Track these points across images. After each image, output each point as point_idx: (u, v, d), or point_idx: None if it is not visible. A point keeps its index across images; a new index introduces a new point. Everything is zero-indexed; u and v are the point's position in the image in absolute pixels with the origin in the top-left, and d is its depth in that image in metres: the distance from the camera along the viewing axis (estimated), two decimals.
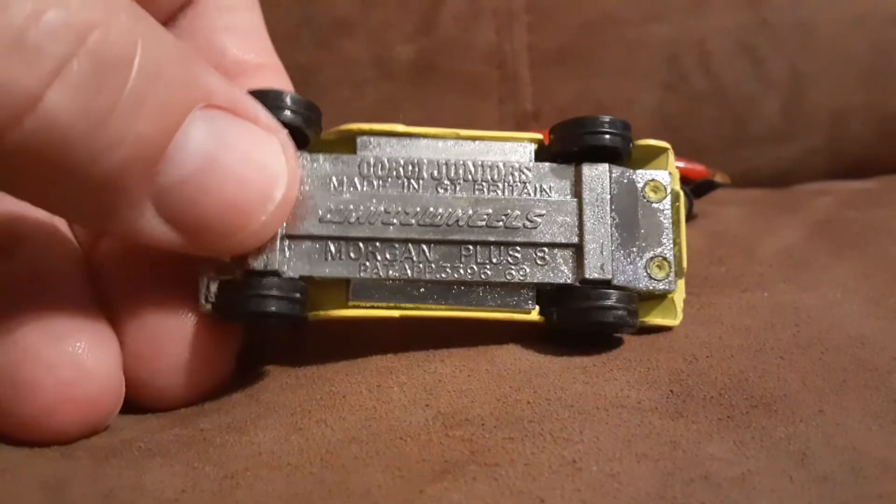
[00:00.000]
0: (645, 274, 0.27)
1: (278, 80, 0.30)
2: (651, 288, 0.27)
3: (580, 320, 0.26)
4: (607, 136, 0.27)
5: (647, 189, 0.27)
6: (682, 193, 0.28)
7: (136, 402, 0.24)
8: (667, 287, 0.27)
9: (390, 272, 0.25)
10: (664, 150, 0.28)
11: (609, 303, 0.26)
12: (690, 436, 0.22)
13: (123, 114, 0.19)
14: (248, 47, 0.30)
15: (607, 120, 0.27)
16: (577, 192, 0.26)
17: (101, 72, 0.19)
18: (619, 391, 0.24)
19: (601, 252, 0.26)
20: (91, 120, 0.19)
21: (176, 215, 0.21)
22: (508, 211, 0.26)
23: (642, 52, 0.55)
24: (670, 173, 0.28)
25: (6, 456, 0.22)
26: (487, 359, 0.26)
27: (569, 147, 0.27)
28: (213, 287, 0.24)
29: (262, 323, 0.25)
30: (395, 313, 0.26)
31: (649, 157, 0.28)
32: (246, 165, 0.22)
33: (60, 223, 0.27)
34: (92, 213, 0.21)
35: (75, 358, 0.22)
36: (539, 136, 0.27)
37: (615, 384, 0.24)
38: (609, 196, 0.26)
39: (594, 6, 0.55)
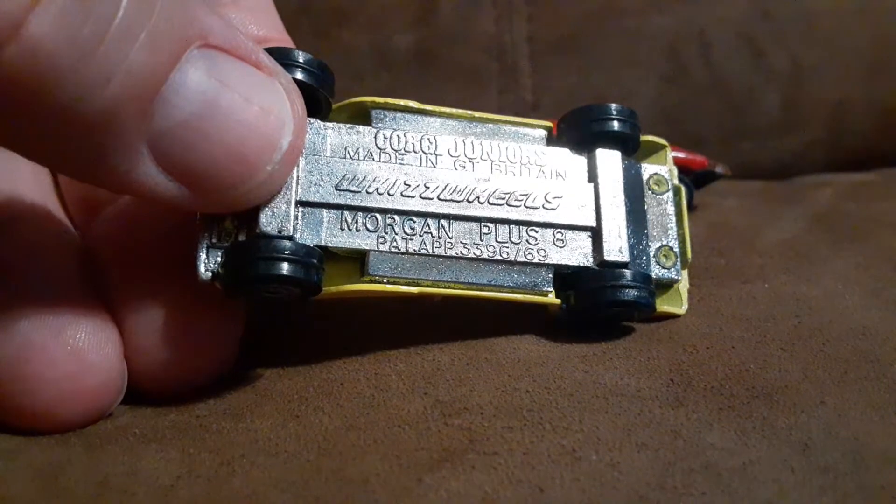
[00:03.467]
0: (655, 262, 0.27)
1: None
2: (660, 276, 0.27)
3: (599, 300, 0.26)
4: (618, 123, 0.27)
5: (651, 181, 0.28)
6: (682, 188, 0.29)
7: (137, 391, 0.24)
8: (674, 276, 0.28)
9: (409, 246, 0.25)
10: (662, 146, 0.29)
11: (628, 282, 0.26)
12: (691, 425, 0.21)
13: (114, 45, 0.18)
14: (254, 21, 0.28)
15: (617, 108, 0.27)
16: (593, 177, 0.27)
17: (98, 19, 0.17)
18: (618, 380, 0.24)
19: (618, 235, 0.26)
20: (78, 49, 0.17)
21: (174, 163, 0.20)
22: (528, 191, 0.26)
23: (642, 43, 0.55)
24: (669, 169, 0.28)
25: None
26: (486, 347, 0.26)
27: (580, 134, 0.27)
28: (215, 254, 0.22)
29: (272, 293, 0.23)
30: (414, 290, 0.25)
31: (648, 153, 0.29)
32: (248, 110, 0.20)
33: (54, 204, 0.26)
34: (82, 161, 0.19)
35: (77, 352, 0.22)
36: (549, 123, 0.28)
37: (615, 373, 0.24)
38: (622, 183, 0.27)
39: None
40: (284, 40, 0.29)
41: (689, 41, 0.54)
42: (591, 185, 0.26)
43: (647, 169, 0.28)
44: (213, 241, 0.23)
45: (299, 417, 0.22)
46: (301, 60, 0.23)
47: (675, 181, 0.28)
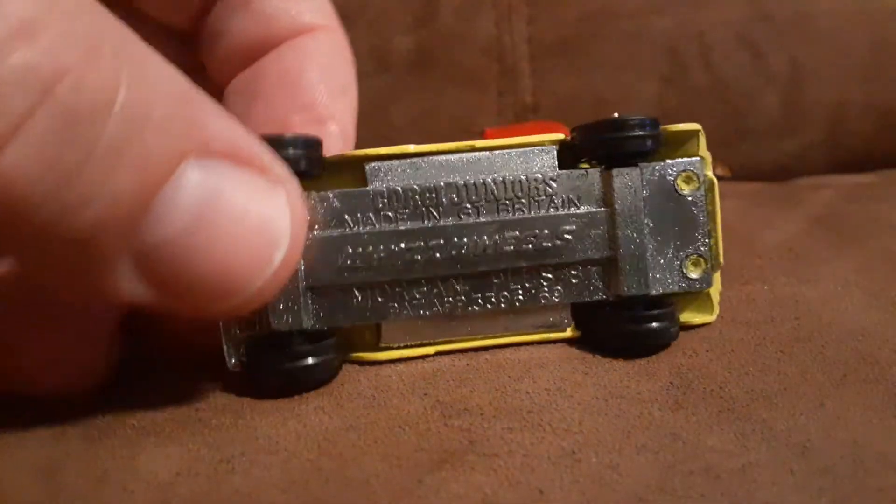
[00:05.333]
0: (681, 275, 0.26)
1: (333, 43, 0.28)
2: (688, 288, 0.26)
3: (621, 343, 0.25)
4: (638, 142, 0.25)
5: (679, 181, 0.25)
6: (715, 180, 0.26)
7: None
8: (704, 285, 0.26)
9: (421, 311, 0.25)
10: (694, 132, 0.26)
11: (650, 324, 0.25)
12: (691, 427, 0.21)
13: (97, 168, 0.17)
14: (302, 7, 0.27)
15: (637, 122, 0.24)
16: (608, 202, 0.25)
17: (71, 123, 0.16)
18: (618, 382, 0.24)
19: (637, 265, 0.25)
20: (57, 177, 0.16)
21: (159, 278, 0.19)
22: (537, 231, 0.25)
23: (642, 45, 0.55)
24: (702, 158, 0.26)
25: None
26: (486, 349, 0.26)
27: (595, 150, 0.25)
28: (239, 344, 0.24)
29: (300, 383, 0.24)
30: (430, 350, 0.25)
31: (679, 143, 0.26)
32: (242, 223, 0.19)
33: None
34: (62, 275, 0.19)
35: None
36: (560, 135, 0.25)
37: (615, 375, 0.24)
38: (642, 202, 0.25)
39: None
40: (333, 28, 0.28)
41: (689, 43, 0.54)
42: (606, 210, 0.25)
43: (675, 167, 0.25)
44: (236, 331, 0.24)
45: (300, 416, 0.22)
46: (288, 144, 0.23)
47: (709, 172, 0.26)
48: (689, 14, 0.54)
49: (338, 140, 0.27)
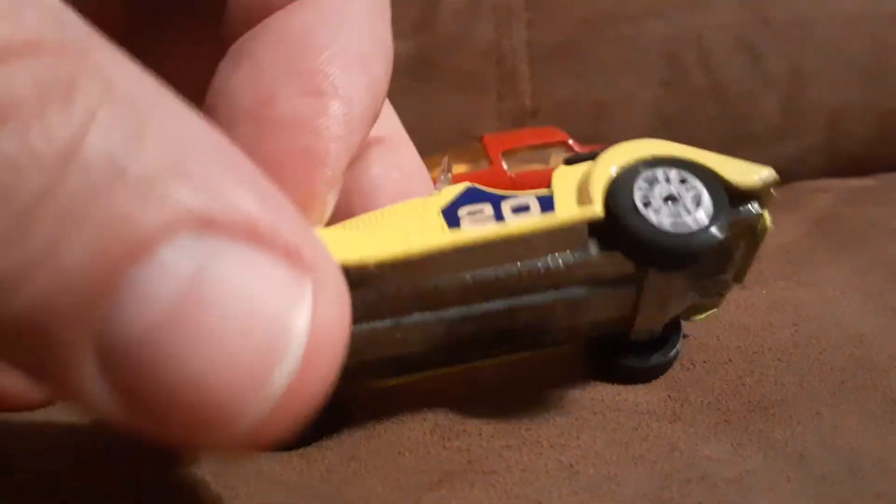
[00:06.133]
0: (693, 305, 0.25)
1: (405, 152, 0.25)
2: (696, 313, 0.25)
3: (625, 379, 0.24)
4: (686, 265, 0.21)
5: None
6: (763, 219, 0.23)
7: None
8: (714, 306, 0.25)
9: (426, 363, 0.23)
10: (768, 186, 0.23)
11: (654, 362, 0.24)
12: (688, 438, 0.22)
13: (41, 235, 0.12)
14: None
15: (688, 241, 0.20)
16: (639, 288, 0.22)
17: (10, 175, 0.12)
18: (615, 395, 0.24)
19: (653, 318, 0.23)
20: None
21: (125, 384, 0.13)
22: (553, 311, 0.22)
23: (641, 49, 0.55)
24: (762, 213, 0.23)
25: None
26: (484, 368, 0.26)
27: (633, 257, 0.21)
28: None
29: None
30: (439, 371, 0.24)
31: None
32: (240, 324, 0.13)
33: None
34: (13, 365, 0.14)
35: None
36: (596, 211, 0.21)
37: (612, 388, 0.24)
38: (671, 290, 0.22)
39: (593, 3, 0.55)
40: (401, 137, 0.25)
41: (688, 47, 0.54)
42: (636, 287, 0.22)
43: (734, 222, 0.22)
44: None
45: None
46: None
47: (767, 223, 0.23)
48: (687, 18, 0.54)
49: (338, 126, 0.20)
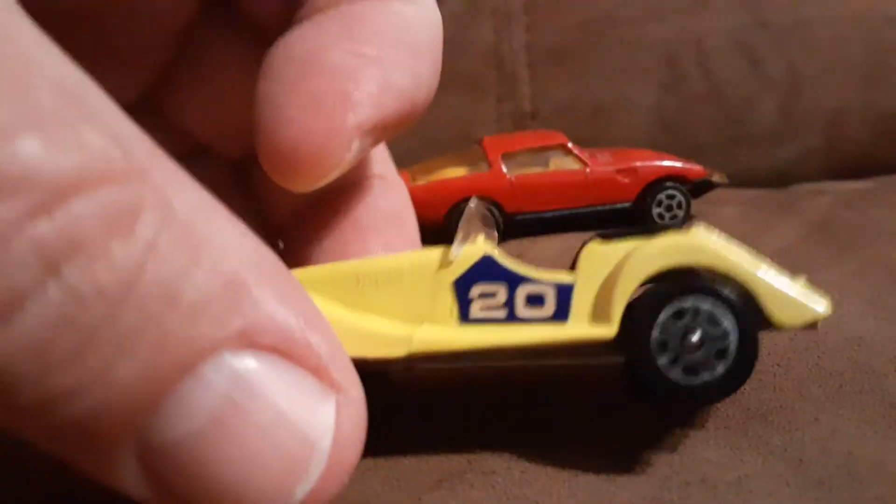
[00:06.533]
0: None
1: (397, 195, 0.27)
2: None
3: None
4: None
5: None
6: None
7: None
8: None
9: None
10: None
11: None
12: (687, 441, 0.22)
13: (96, 358, 0.14)
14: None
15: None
16: None
17: (73, 306, 0.13)
18: (614, 397, 0.24)
19: None
20: (45, 363, 0.13)
21: (162, 483, 0.15)
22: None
23: (640, 52, 0.55)
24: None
25: None
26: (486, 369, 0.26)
27: None
28: None
29: None
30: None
31: None
32: (266, 439, 0.15)
33: None
34: (61, 453, 0.15)
35: None
36: (609, 336, 0.20)
37: (613, 389, 0.24)
38: None
39: (592, 6, 0.55)
40: (395, 180, 0.27)
41: (687, 50, 0.55)
42: None
43: None
44: None
45: None
46: None
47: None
48: (687, 21, 0.54)
49: (373, 85, 0.22)
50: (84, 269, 0.13)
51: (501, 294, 0.21)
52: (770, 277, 0.21)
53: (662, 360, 0.20)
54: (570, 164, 0.43)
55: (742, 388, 0.24)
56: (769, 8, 0.54)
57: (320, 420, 0.16)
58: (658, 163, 0.44)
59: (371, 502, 0.20)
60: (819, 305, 0.21)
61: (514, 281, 0.21)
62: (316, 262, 0.24)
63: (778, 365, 0.25)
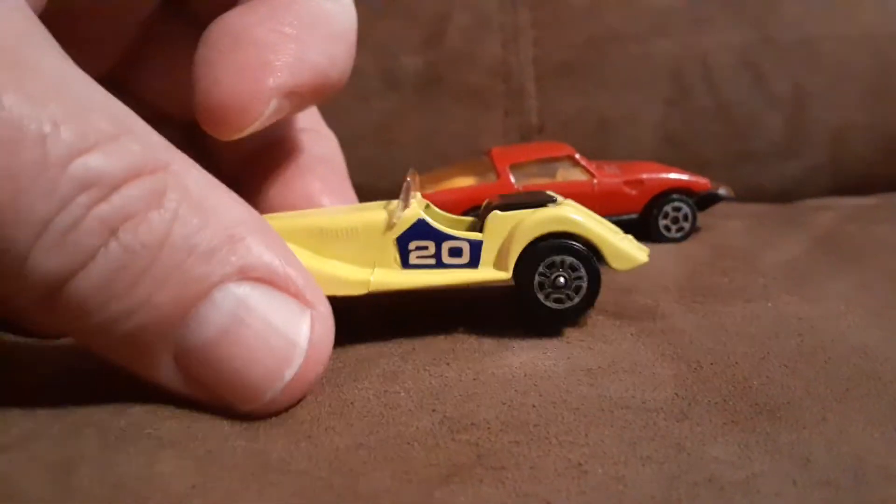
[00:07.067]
0: None
1: (328, 143, 0.34)
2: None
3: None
4: None
5: None
6: None
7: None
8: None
9: None
10: None
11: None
12: (695, 438, 0.22)
13: (142, 291, 0.21)
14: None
15: None
16: None
17: (126, 256, 0.21)
18: (623, 393, 0.24)
19: None
20: (108, 297, 0.21)
21: (192, 374, 0.23)
22: None
23: (646, 68, 0.55)
24: None
25: (9, 430, 0.23)
26: (493, 363, 0.26)
27: None
28: None
29: None
30: None
31: None
32: (263, 341, 0.23)
33: None
34: (121, 360, 0.23)
35: None
36: (507, 278, 0.29)
37: (620, 385, 0.24)
38: None
39: (599, 22, 0.56)
40: (325, 133, 0.35)
41: (693, 66, 0.55)
42: None
43: None
44: None
45: (311, 437, 0.23)
46: None
47: None
48: (693, 37, 0.55)
49: (290, 57, 0.28)
50: (133, 231, 0.21)
51: (431, 247, 0.29)
52: (611, 238, 0.29)
53: (541, 295, 0.29)
54: (577, 176, 0.43)
55: (751, 383, 0.24)
56: (775, 25, 0.55)
57: (300, 327, 0.23)
58: (664, 175, 0.44)
59: (381, 497, 0.20)
60: (643, 255, 0.30)
61: (440, 238, 0.29)
62: (267, 200, 0.33)
63: (785, 366, 0.25)
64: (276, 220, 0.28)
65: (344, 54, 0.30)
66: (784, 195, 0.55)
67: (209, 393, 0.23)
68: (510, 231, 0.29)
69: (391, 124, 0.55)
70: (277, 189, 0.33)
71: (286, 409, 0.24)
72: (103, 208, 0.20)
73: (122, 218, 0.21)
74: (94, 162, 0.20)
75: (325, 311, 0.24)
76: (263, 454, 0.22)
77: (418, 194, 0.31)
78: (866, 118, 0.55)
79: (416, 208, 0.29)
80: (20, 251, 0.20)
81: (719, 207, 0.45)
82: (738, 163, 0.55)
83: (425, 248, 0.29)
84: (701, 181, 0.44)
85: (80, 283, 0.21)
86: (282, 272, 0.23)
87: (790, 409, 0.23)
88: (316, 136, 0.35)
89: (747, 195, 0.53)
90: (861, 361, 0.26)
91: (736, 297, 0.32)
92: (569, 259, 0.29)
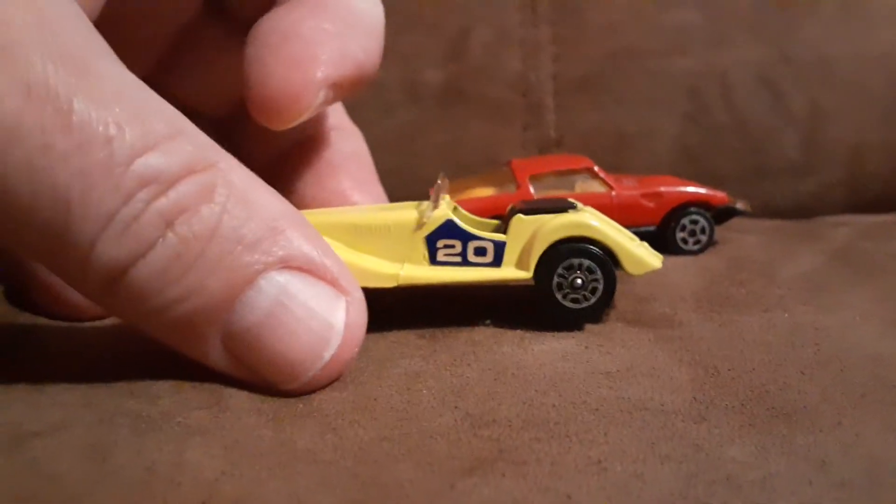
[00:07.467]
0: None
1: (355, 140, 0.36)
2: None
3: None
4: None
5: None
6: None
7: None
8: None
9: None
10: None
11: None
12: (713, 439, 0.22)
13: (194, 278, 0.23)
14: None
15: None
16: None
17: (181, 246, 0.23)
18: (642, 395, 0.24)
19: None
20: (164, 283, 0.23)
21: (238, 356, 0.25)
22: None
23: (664, 84, 0.56)
24: None
25: (42, 418, 0.23)
26: (513, 364, 0.27)
27: None
28: None
29: None
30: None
31: None
32: (303, 324, 0.24)
33: None
34: (173, 342, 0.25)
35: None
36: (528, 278, 0.30)
37: (638, 388, 0.25)
38: None
39: (618, 38, 0.56)
40: (351, 128, 0.37)
41: (711, 83, 0.56)
42: None
43: None
44: None
45: (336, 430, 0.23)
46: None
47: None
48: (711, 55, 0.56)
49: (335, 53, 0.30)
50: (187, 223, 0.23)
51: (458, 246, 0.31)
52: (627, 243, 0.31)
53: (559, 295, 0.30)
54: (595, 188, 0.44)
55: (767, 388, 0.25)
56: (792, 44, 0.55)
57: (336, 312, 0.25)
58: (682, 188, 0.44)
59: (405, 487, 0.20)
60: (657, 261, 0.31)
61: (466, 238, 0.31)
62: (300, 197, 0.35)
63: (801, 373, 0.26)
64: (313, 216, 0.30)
65: (377, 48, 0.32)
66: (800, 212, 0.55)
67: (254, 373, 0.25)
68: (532, 233, 0.30)
69: (413, 136, 0.56)
70: (310, 186, 0.35)
71: (323, 387, 0.26)
72: (162, 202, 0.22)
73: (178, 211, 0.23)
74: (154, 161, 0.22)
75: (359, 297, 0.26)
76: (290, 444, 0.22)
77: (447, 196, 0.32)
78: (883, 137, 0.55)
79: (445, 209, 0.31)
80: (88, 241, 0.22)
81: (736, 222, 0.46)
82: (755, 179, 0.56)
83: (452, 246, 0.31)
84: (718, 195, 0.45)
85: (139, 270, 0.23)
86: (319, 262, 0.25)
87: (806, 413, 0.24)
88: (343, 133, 0.37)
89: (763, 211, 0.54)
90: (877, 369, 0.26)
91: (753, 307, 0.32)
92: (586, 262, 0.30)
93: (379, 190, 0.37)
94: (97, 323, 0.33)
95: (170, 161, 0.23)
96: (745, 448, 0.22)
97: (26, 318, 0.34)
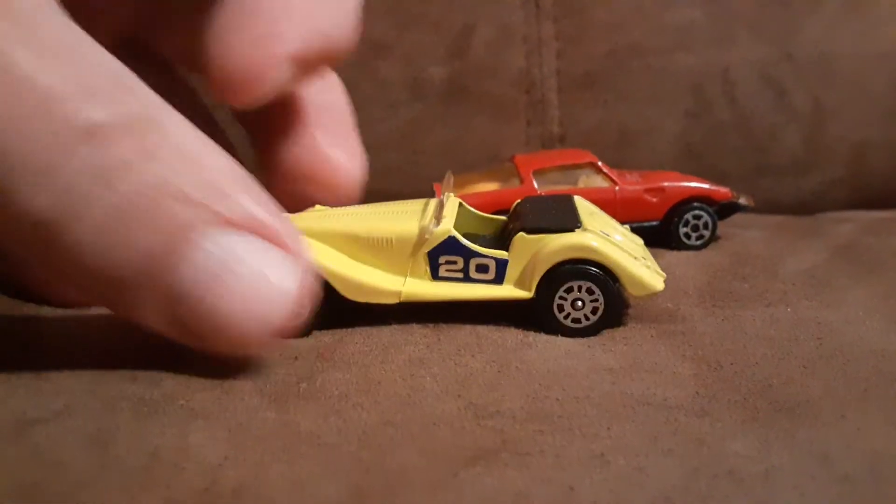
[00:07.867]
0: None
1: (331, 91, 0.35)
2: None
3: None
4: None
5: None
6: None
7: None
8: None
9: None
10: None
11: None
12: (715, 433, 0.22)
13: (135, 233, 0.22)
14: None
15: None
16: None
17: (122, 202, 0.22)
18: (645, 390, 0.24)
19: None
20: (105, 239, 0.22)
21: (179, 318, 0.23)
22: None
23: (667, 81, 0.56)
24: None
25: (44, 405, 0.23)
26: (516, 358, 0.27)
27: None
28: None
29: None
30: None
31: None
32: (253, 286, 0.23)
33: None
34: (112, 304, 0.24)
35: None
36: (529, 296, 0.30)
37: (641, 384, 0.25)
38: None
39: (621, 35, 0.56)
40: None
41: (714, 80, 0.55)
42: None
43: None
44: None
45: (339, 412, 0.23)
46: None
47: None
48: (714, 52, 0.55)
49: (298, 30, 0.29)
50: (126, 180, 0.22)
51: (460, 262, 0.31)
52: (629, 265, 0.30)
53: (560, 315, 0.30)
54: (599, 183, 0.44)
55: (770, 382, 0.25)
56: (795, 42, 0.55)
57: (285, 273, 0.24)
58: (685, 184, 0.44)
59: (408, 473, 0.20)
60: (659, 283, 0.31)
61: (468, 255, 0.31)
62: (277, 156, 0.33)
63: (804, 367, 0.26)
64: (314, 223, 0.31)
65: (348, 21, 0.31)
66: (802, 208, 0.55)
67: (200, 339, 0.24)
68: (534, 253, 0.30)
69: (416, 133, 0.56)
70: (287, 146, 0.34)
71: (269, 352, 0.26)
72: (101, 157, 0.22)
73: (117, 167, 0.22)
74: (96, 115, 0.22)
75: (308, 258, 0.25)
76: (293, 426, 0.23)
77: (452, 194, 0.32)
78: (885, 134, 0.55)
79: (447, 224, 0.31)
80: (24, 197, 0.21)
81: (738, 217, 0.46)
82: (757, 176, 0.56)
83: (454, 262, 0.31)
84: (721, 190, 0.45)
85: (78, 227, 0.22)
86: (267, 222, 0.24)
87: (809, 407, 0.24)
88: (321, 84, 0.35)
89: (766, 208, 0.53)
90: (879, 364, 0.26)
91: (755, 302, 0.32)
92: (587, 284, 0.30)
93: (355, 143, 0.35)
94: (99, 310, 0.33)
95: (111, 116, 0.22)
96: (748, 442, 0.22)
97: (28, 308, 0.34)
